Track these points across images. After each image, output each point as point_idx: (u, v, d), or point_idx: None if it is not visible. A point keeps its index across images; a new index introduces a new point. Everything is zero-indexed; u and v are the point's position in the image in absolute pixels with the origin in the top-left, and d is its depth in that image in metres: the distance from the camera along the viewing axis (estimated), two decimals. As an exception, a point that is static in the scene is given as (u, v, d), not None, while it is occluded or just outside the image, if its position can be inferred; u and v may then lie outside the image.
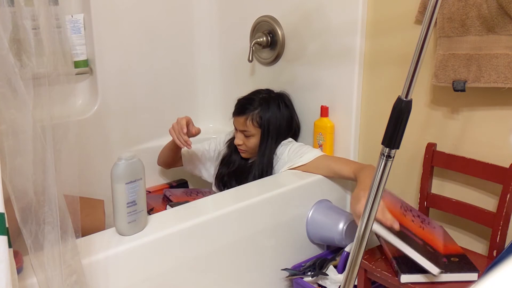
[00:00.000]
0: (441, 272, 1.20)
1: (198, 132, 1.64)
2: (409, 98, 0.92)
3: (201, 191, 1.86)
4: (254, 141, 1.70)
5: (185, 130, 1.61)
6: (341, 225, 1.53)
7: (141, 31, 1.95)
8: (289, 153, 1.68)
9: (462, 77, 1.34)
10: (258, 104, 1.70)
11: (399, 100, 0.93)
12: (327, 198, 1.67)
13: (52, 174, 0.96)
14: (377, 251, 1.40)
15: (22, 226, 0.94)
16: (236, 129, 1.74)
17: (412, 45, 0.92)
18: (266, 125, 1.68)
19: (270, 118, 1.69)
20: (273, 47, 1.90)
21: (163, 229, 1.27)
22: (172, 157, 1.87)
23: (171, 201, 1.63)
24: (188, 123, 1.63)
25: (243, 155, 1.76)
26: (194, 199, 1.62)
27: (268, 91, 1.78)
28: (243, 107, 1.71)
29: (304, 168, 1.64)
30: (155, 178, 2.01)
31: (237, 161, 1.78)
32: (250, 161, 1.77)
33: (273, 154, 1.70)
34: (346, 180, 1.74)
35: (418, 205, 1.51)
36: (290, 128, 1.78)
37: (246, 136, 1.70)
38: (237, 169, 1.77)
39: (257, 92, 1.77)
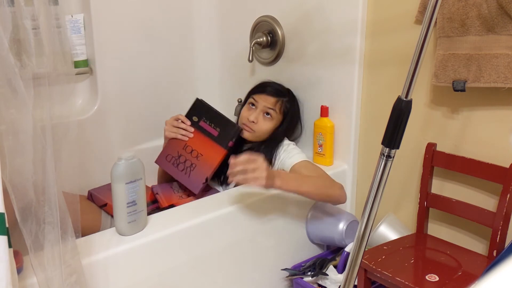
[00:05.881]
0: None
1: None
2: (409, 98, 0.92)
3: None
4: (268, 125, 1.68)
5: (180, 123, 1.64)
6: (341, 225, 1.53)
7: (141, 31, 1.95)
8: (284, 152, 1.65)
9: (462, 77, 1.34)
10: (287, 93, 1.76)
11: (399, 100, 0.93)
12: (327, 198, 1.67)
13: (52, 174, 0.97)
14: (377, 251, 1.40)
15: (22, 226, 0.94)
16: (254, 106, 1.69)
17: (412, 45, 0.92)
18: (290, 115, 1.74)
19: (294, 111, 1.76)
20: (273, 47, 1.90)
21: (163, 229, 1.28)
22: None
23: (157, 202, 1.61)
24: (179, 117, 1.66)
25: (247, 134, 1.67)
26: (181, 197, 1.62)
27: (286, 88, 1.80)
28: (276, 89, 1.73)
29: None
30: (155, 178, 2.01)
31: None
32: (246, 147, 1.72)
33: (280, 142, 1.68)
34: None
35: (418, 205, 1.51)
36: (297, 126, 1.81)
37: (266, 116, 1.68)
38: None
39: (278, 83, 1.79)
